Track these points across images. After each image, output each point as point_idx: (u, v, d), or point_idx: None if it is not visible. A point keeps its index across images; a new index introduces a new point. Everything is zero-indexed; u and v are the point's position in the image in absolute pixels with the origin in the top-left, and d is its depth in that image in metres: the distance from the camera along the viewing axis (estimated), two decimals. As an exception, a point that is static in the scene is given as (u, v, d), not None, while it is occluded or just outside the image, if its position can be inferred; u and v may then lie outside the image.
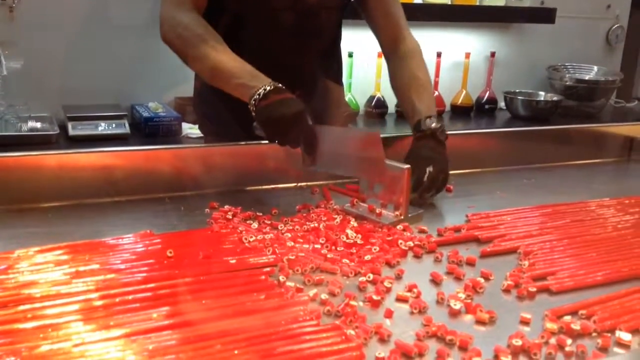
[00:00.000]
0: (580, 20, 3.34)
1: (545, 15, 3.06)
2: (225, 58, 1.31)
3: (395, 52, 1.53)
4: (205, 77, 1.39)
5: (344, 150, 1.27)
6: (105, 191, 1.30)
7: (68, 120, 2.24)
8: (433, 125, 1.41)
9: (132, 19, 2.44)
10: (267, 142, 1.35)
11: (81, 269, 0.99)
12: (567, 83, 3.18)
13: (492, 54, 3.11)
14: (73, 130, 2.22)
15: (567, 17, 3.23)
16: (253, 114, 1.24)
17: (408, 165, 1.27)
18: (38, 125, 2.24)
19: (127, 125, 2.27)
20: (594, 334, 0.91)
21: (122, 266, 1.00)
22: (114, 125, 2.26)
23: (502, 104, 3.14)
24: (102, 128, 2.25)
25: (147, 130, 2.30)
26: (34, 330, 0.83)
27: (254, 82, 1.25)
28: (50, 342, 0.80)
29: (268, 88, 1.22)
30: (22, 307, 0.88)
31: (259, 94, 1.22)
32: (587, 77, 3.27)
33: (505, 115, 3.13)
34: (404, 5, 2.57)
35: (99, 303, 0.90)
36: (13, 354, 0.78)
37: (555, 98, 3.10)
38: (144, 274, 0.98)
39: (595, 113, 3.24)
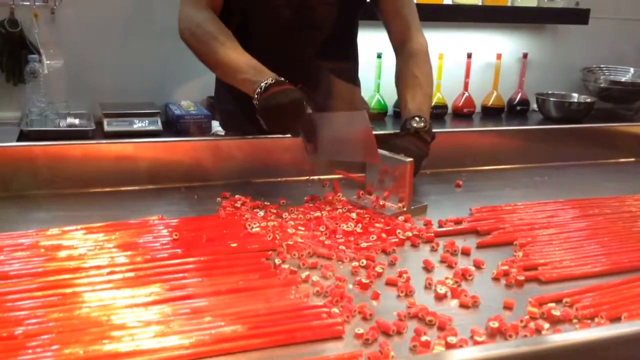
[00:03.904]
0: (617, 21, 3.31)
1: (579, 16, 3.03)
2: (233, 54, 1.37)
3: (402, 50, 1.57)
4: (216, 73, 1.45)
5: (339, 135, 1.29)
6: (125, 181, 1.38)
7: (104, 116, 2.35)
8: (415, 125, 1.41)
9: (168, 20, 2.52)
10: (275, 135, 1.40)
11: (91, 248, 1.06)
12: (602, 85, 3.15)
13: (525, 55, 3.11)
14: (108, 126, 2.33)
15: (603, 18, 3.20)
16: (256, 107, 1.30)
17: (411, 159, 1.31)
18: (76, 121, 2.37)
19: (159, 122, 2.37)
20: (574, 321, 0.94)
21: (130, 246, 1.08)
22: (147, 122, 2.36)
23: (534, 106, 3.13)
24: (136, 124, 2.35)
25: (179, 127, 2.39)
26: (44, 299, 0.91)
27: (258, 77, 1.31)
28: (55, 309, 0.88)
29: (270, 81, 1.28)
30: (38, 280, 0.96)
31: (260, 87, 1.27)
32: (623, 79, 3.23)
33: (538, 116, 3.12)
34: (435, 6, 2.60)
35: (104, 278, 0.97)
36: (28, 318, 0.86)
37: (588, 100, 3.07)
38: (150, 254, 1.05)
39: (631, 116, 3.20)
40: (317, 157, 1.33)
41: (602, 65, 3.29)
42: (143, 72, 2.58)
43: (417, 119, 1.42)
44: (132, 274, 0.98)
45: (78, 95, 2.45)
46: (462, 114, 3.01)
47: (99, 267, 1.00)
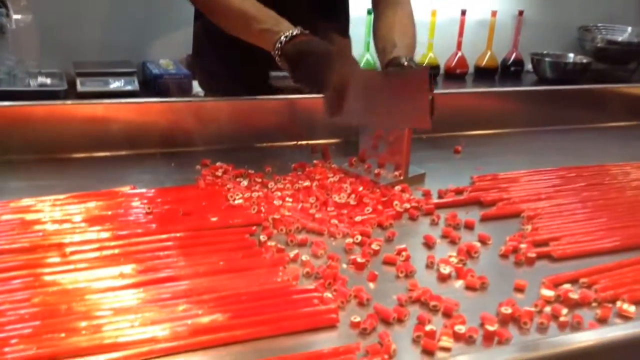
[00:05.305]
0: (616, -22, 3.18)
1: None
2: (248, 5, 1.25)
3: (384, 1, 1.43)
4: (227, 26, 1.32)
5: (379, 93, 1.15)
6: (94, 146, 1.26)
7: (77, 76, 2.21)
8: (412, 64, 1.23)
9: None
10: (278, 97, 1.29)
11: (51, 223, 0.95)
12: (599, 44, 3.03)
13: (520, 13, 2.97)
14: (82, 86, 2.18)
15: (600, -26, 3.08)
16: (277, 57, 1.17)
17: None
18: (48, 81, 2.22)
19: (136, 82, 2.23)
20: (593, 304, 0.84)
21: (97, 220, 0.96)
22: (123, 82, 2.22)
23: (529, 66, 3.02)
24: (112, 84, 2.21)
25: (157, 87, 2.25)
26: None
27: (279, 27, 1.18)
28: (6, 296, 0.77)
29: (296, 32, 1.16)
30: None
31: (286, 36, 1.15)
32: (619, 39, 3.12)
33: (532, 77, 3.01)
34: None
35: (65, 259, 0.86)
36: None
37: (585, 60, 2.96)
38: (119, 230, 0.94)
39: (628, 77, 3.10)
40: (338, 118, 1.15)
41: (599, 24, 3.17)
42: (119, 28, 2.41)
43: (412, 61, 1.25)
44: (97, 254, 0.87)
45: (49, 53, 2.29)
46: (455, 74, 2.88)
47: (59, 245, 0.89)
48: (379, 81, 1.17)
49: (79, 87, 2.18)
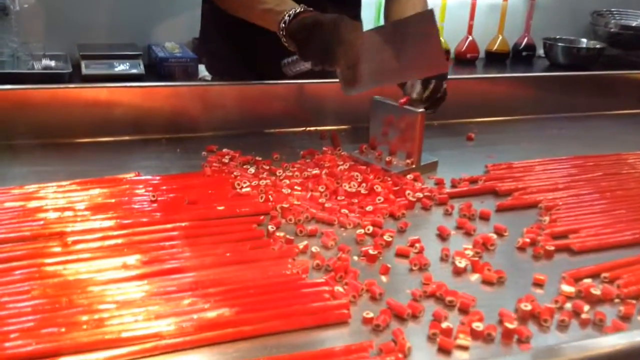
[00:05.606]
0: (631, -39, 3.11)
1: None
2: None
3: None
4: (231, 8, 1.29)
5: (389, 49, 1.11)
6: (98, 131, 1.23)
7: (82, 58, 2.16)
8: None
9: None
10: (286, 82, 1.26)
11: (53, 211, 0.92)
12: (612, 30, 2.97)
13: (533, -4, 2.92)
14: (86, 69, 2.14)
15: (615, -43, 3.00)
16: (283, 38, 1.13)
17: (421, 109, 1.16)
18: (52, 63, 2.18)
19: (141, 65, 2.18)
20: (616, 300, 0.81)
21: (100, 209, 0.93)
22: (128, 65, 2.18)
23: (540, 51, 2.96)
24: (116, 68, 2.17)
25: (163, 71, 2.21)
26: None
27: (282, 7, 1.15)
28: (4, 288, 0.74)
29: (299, 9, 1.12)
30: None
31: (289, 15, 1.11)
32: (634, 24, 3.06)
33: (544, 63, 2.95)
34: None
35: (67, 249, 0.83)
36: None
37: (598, 46, 2.91)
38: (122, 219, 0.90)
39: (640, 63, 3.04)
40: (355, 89, 1.13)
41: (612, 9, 3.11)
42: (124, 10, 2.37)
43: None
44: (100, 244, 0.84)
45: (54, 35, 2.25)
46: (466, 59, 2.82)
47: (61, 235, 0.86)
48: (387, 36, 1.12)
49: (84, 70, 2.14)
